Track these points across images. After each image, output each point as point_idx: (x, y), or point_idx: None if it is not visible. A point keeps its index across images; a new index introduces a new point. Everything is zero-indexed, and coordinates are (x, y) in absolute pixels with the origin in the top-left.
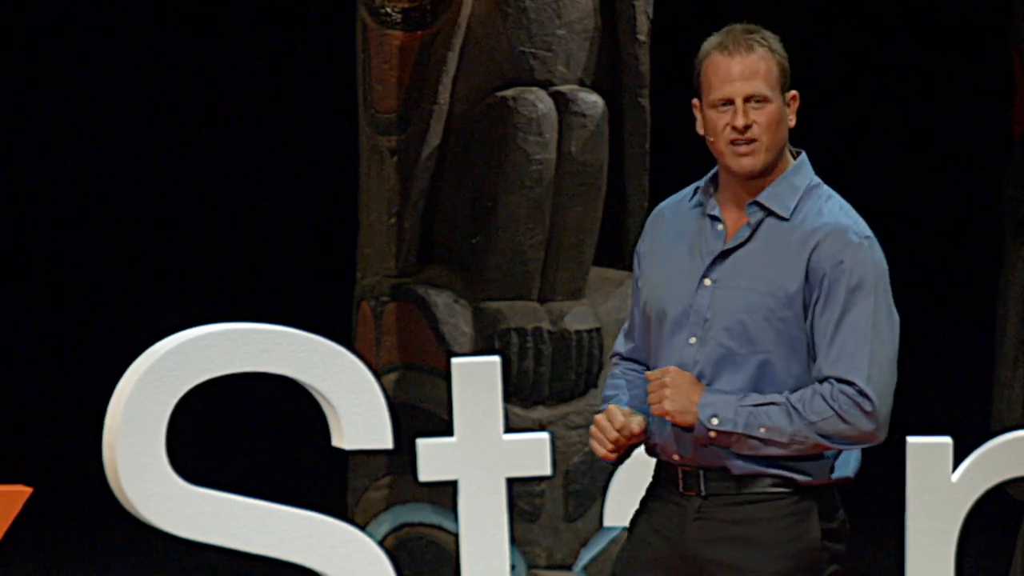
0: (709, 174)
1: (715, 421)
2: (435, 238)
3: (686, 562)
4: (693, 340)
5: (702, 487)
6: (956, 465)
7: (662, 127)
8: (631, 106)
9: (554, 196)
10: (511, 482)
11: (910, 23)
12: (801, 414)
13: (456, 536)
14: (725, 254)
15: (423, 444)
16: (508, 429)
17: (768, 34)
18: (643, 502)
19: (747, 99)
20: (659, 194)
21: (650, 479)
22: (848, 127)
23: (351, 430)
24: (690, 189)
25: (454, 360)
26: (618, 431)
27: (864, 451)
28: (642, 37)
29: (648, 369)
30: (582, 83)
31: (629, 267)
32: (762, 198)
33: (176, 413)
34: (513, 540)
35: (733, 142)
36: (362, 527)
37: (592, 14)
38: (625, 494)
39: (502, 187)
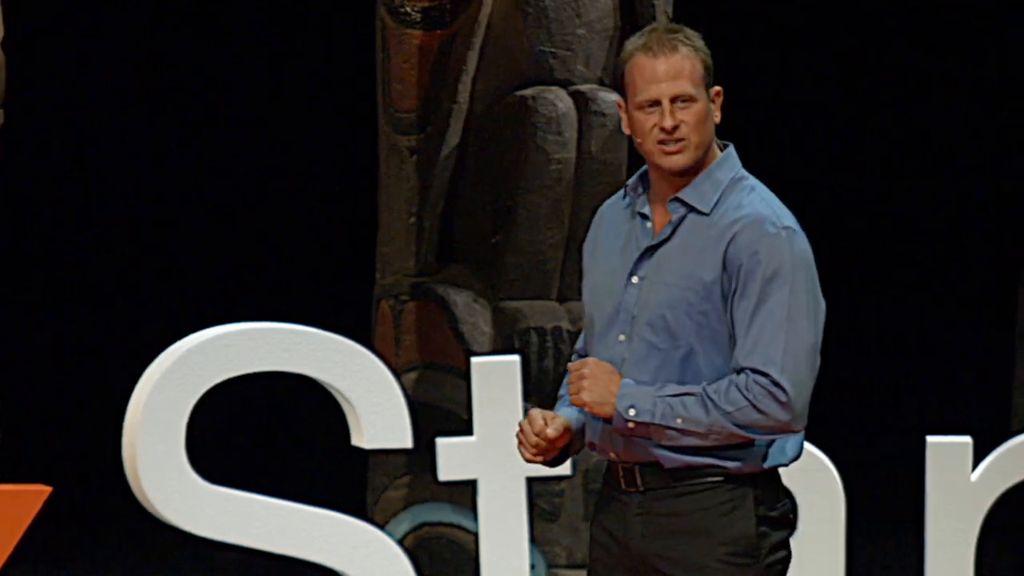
0: (638, 173)
1: (632, 412)
2: (455, 237)
3: (634, 559)
4: (622, 337)
5: (639, 482)
6: (976, 465)
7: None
8: None
9: (574, 195)
10: (531, 481)
11: (908, 23)
12: (717, 405)
13: (475, 535)
14: (650, 251)
15: (443, 443)
16: None
17: (691, 32)
18: (596, 503)
19: (673, 99)
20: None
21: None
22: (845, 127)
23: (371, 429)
24: (627, 186)
25: (473, 359)
26: (536, 435)
27: (884, 449)
28: None
29: None
30: (602, 82)
31: None
32: (682, 194)
33: (196, 412)
34: (533, 539)
35: (661, 142)
36: (382, 526)
37: (612, 13)
38: None
39: (522, 186)
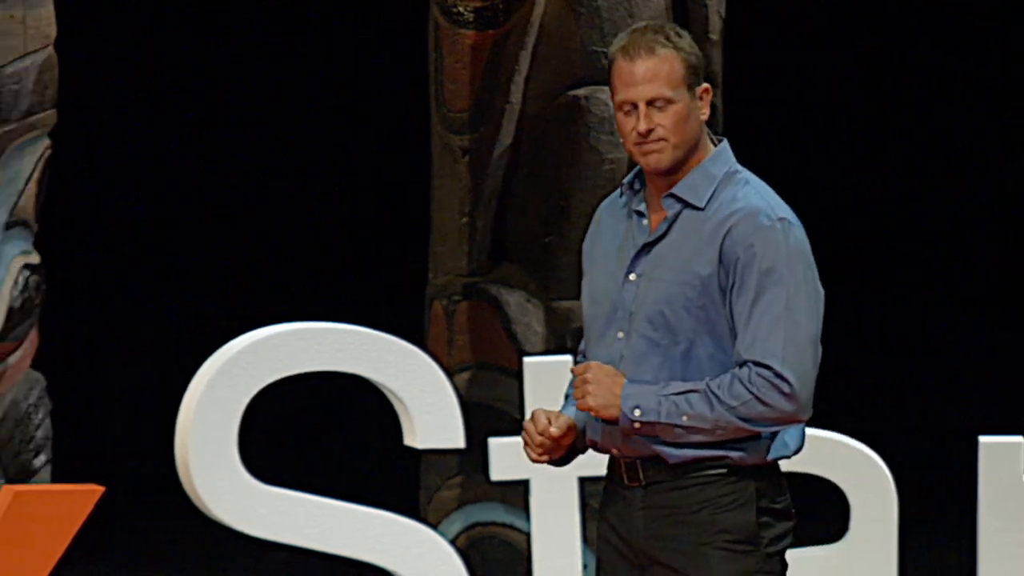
0: (634, 171)
1: (638, 412)
2: (507, 237)
3: (638, 554)
4: (620, 335)
5: (641, 476)
6: None
7: (734, 125)
8: None
9: None
10: (583, 481)
11: (930, 23)
12: (721, 400)
13: (528, 535)
14: (646, 248)
15: (495, 443)
16: None
17: (675, 32)
18: (601, 499)
19: (650, 102)
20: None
21: None
22: (867, 127)
23: (423, 429)
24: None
25: (526, 359)
26: (540, 434)
27: (936, 450)
28: (714, 36)
29: None
30: None
31: None
32: (676, 190)
33: (248, 412)
34: (585, 539)
35: (638, 143)
36: (434, 526)
37: (664, 13)
38: None
39: (574, 186)
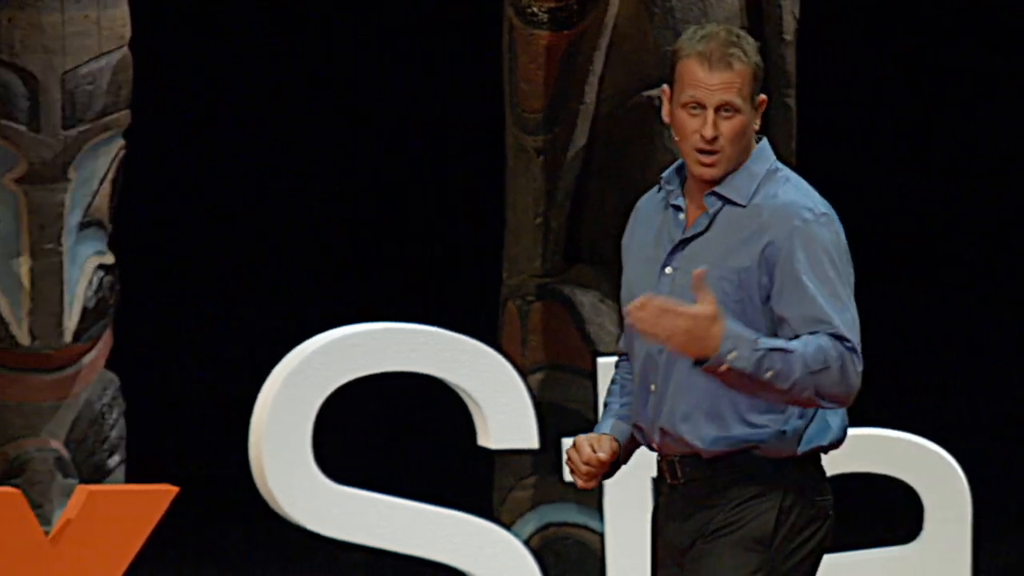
0: (675, 164)
1: (732, 355)
2: (581, 237)
3: (673, 552)
4: None
5: (680, 474)
6: None
7: (808, 126)
8: (777, 106)
9: None
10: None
11: (972, 23)
12: (807, 363)
13: (601, 536)
14: (684, 242)
15: (569, 444)
16: None
17: (749, 44)
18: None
19: (718, 108)
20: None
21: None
22: (911, 128)
23: (497, 429)
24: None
25: (600, 360)
26: (585, 463)
27: (1010, 450)
28: (788, 37)
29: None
30: None
31: None
32: (720, 188)
33: (322, 412)
34: None
35: (699, 150)
36: (508, 526)
37: (738, 14)
38: None
39: (648, 186)
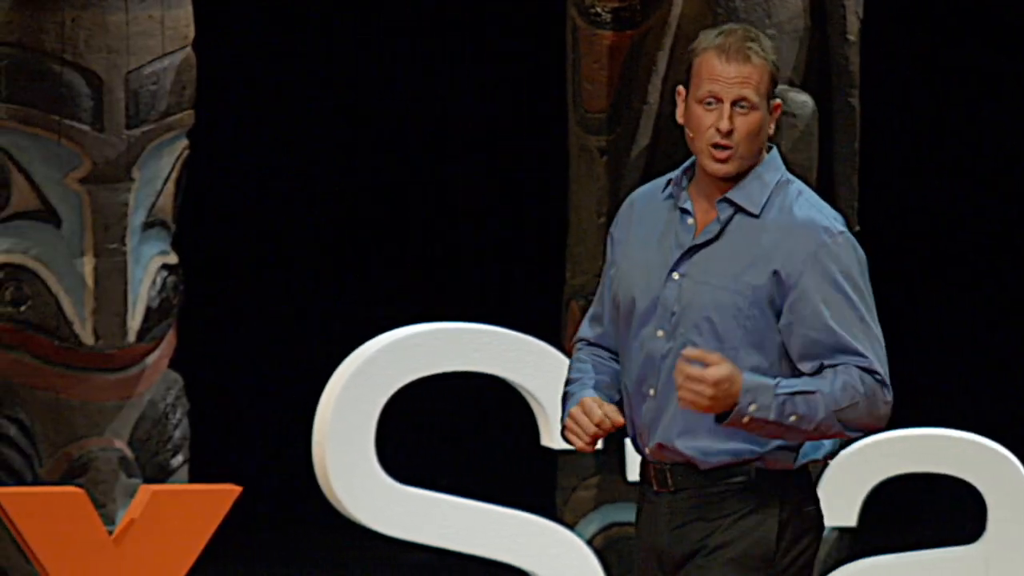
0: (683, 166)
1: (753, 407)
2: None
3: (664, 560)
4: (660, 333)
5: (670, 483)
6: None
7: (871, 127)
8: (841, 106)
9: None
10: None
11: (980, 23)
12: (831, 402)
13: None
14: (694, 249)
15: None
16: None
17: (766, 42)
18: (637, 506)
19: (734, 102)
20: (868, 194)
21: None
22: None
23: (560, 429)
24: (664, 180)
25: None
26: (597, 425)
27: None
28: (852, 37)
29: (613, 356)
30: (792, 83)
31: None
32: (732, 195)
33: (385, 412)
34: None
35: (714, 145)
36: (571, 526)
37: (802, 14)
38: (835, 494)
39: None
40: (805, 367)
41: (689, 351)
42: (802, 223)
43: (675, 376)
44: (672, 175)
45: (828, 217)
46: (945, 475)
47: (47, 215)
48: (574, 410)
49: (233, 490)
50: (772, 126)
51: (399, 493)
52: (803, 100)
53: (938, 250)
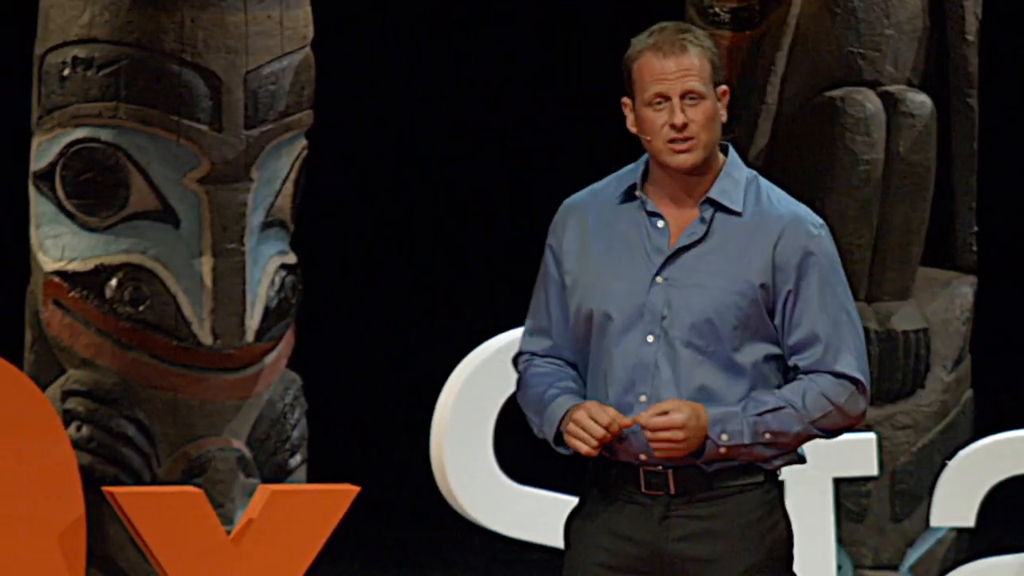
0: (629, 169)
1: (724, 437)
2: None
3: (659, 564)
4: (651, 338)
5: (672, 486)
6: None
7: (990, 127)
8: (959, 106)
9: (882, 196)
10: (838, 482)
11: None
12: (804, 415)
13: None
14: (680, 252)
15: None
16: None
17: (699, 32)
18: (587, 506)
19: (683, 96)
20: (988, 193)
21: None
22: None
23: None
24: (606, 184)
25: None
26: (606, 427)
27: None
28: (971, 37)
29: (572, 367)
30: (910, 83)
31: (956, 267)
32: (714, 194)
33: (503, 412)
34: (839, 540)
35: (671, 140)
36: None
37: (921, 14)
38: (953, 494)
39: (830, 187)
40: (794, 360)
41: (640, 416)
42: (788, 218)
43: (645, 435)
44: (611, 179)
45: (807, 211)
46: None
47: (166, 215)
48: (578, 414)
49: (351, 490)
50: (724, 113)
51: (517, 493)
52: (921, 100)
53: None
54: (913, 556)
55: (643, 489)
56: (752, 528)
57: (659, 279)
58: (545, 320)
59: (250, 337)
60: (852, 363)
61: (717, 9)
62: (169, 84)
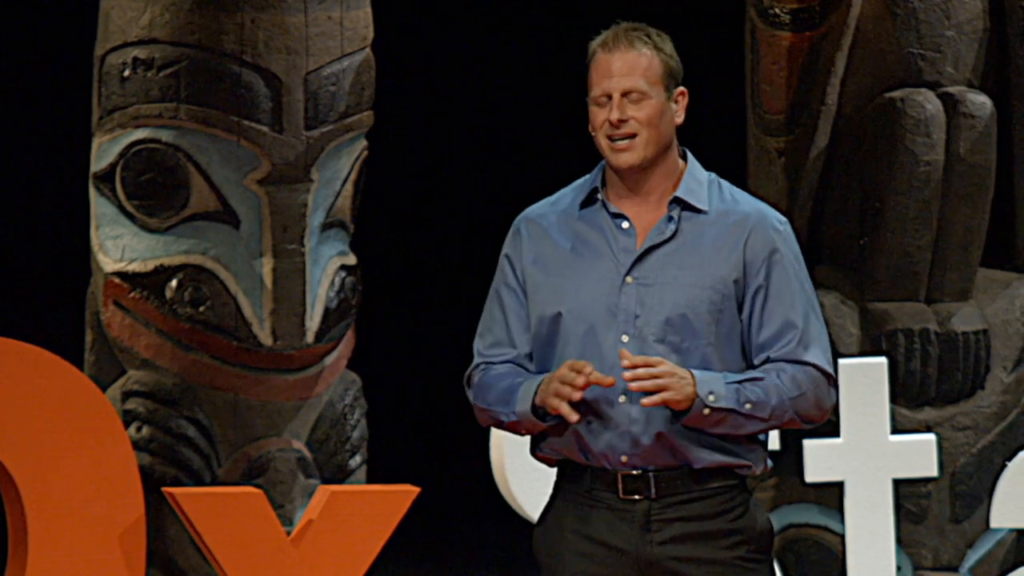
0: (585, 179)
1: (712, 397)
2: (823, 239)
3: (643, 567)
4: (625, 338)
5: (653, 489)
6: None
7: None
8: (1020, 107)
9: (942, 197)
10: (897, 483)
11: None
12: (782, 389)
13: (842, 537)
14: (649, 251)
15: (810, 445)
16: (895, 430)
17: (655, 33)
18: (559, 514)
19: (624, 94)
20: None
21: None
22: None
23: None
24: (562, 195)
25: (841, 361)
26: (587, 375)
27: None
28: None
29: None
30: (970, 84)
31: (1017, 268)
32: (682, 193)
33: None
34: (899, 541)
35: (610, 137)
36: None
37: (981, 15)
38: (1013, 495)
39: (890, 188)
40: (766, 353)
41: (623, 351)
42: (755, 215)
43: (624, 378)
44: (570, 189)
45: (770, 208)
46: None
47: (226, 216)
48: (557, 372)
49: (411, 491)
50: (681, 114)
51: None
52: (982, 101)
53: None
54: (973, 557)
55: (621, 495)
56: (732, 527)
57: (629, 279)
58: (502, 332)
59: (310, 338)
60: (820, 356)
61: (777, 10)
62: (229, 85)
